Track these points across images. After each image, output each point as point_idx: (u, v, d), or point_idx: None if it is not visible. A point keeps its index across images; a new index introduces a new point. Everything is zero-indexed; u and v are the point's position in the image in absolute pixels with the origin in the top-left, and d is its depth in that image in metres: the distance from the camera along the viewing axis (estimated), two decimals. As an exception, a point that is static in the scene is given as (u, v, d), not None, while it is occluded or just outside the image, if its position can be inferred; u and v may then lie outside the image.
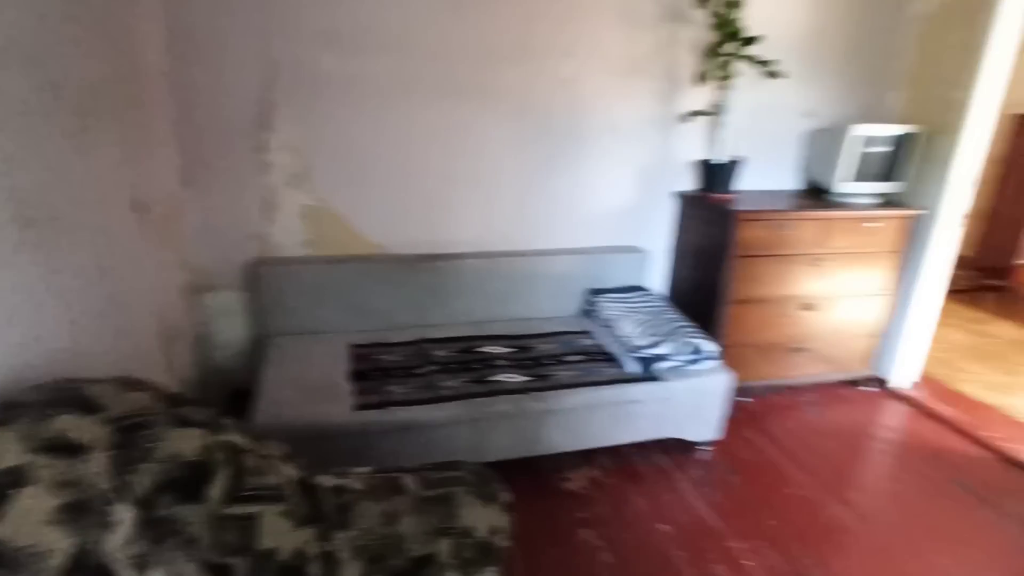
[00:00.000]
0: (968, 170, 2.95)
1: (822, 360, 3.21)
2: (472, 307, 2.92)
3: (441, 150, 2.81)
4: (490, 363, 2.53)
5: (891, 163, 3.07)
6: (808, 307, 3.05)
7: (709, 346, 2.58)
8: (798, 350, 3.13)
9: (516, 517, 1.53)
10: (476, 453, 2.29)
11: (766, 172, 3.34)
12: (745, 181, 3.21)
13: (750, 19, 2.80)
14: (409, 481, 1.45)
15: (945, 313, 4.64)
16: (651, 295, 3.03)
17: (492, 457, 2.33)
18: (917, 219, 3.06)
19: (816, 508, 2.41)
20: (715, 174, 3.02)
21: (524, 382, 2.40)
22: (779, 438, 2.86)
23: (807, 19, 3.12)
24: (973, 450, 2.86)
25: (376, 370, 2.42)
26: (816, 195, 3.24)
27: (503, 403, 2.29)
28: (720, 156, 3.00)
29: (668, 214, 3.28)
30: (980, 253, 4.81)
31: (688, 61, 2.98)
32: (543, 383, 2.40)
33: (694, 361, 2.55)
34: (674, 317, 2.77)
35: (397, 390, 2.29)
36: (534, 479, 2.48)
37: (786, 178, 3.41)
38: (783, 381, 3.21)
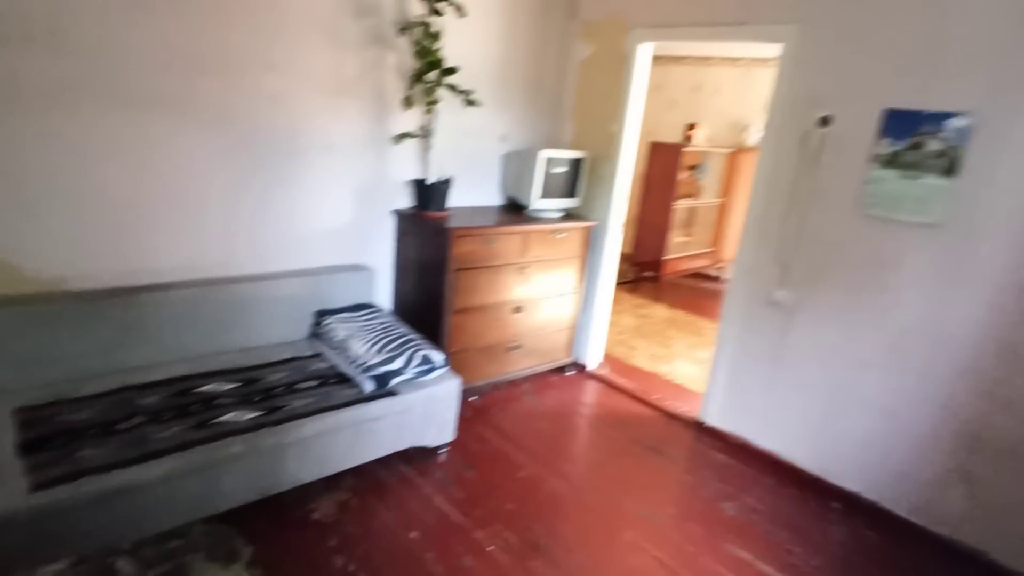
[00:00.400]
0: (623, 187, 3.69)
1: (533, 354, 3.67)
2: (186, 342, 2.59)
3: (130, 168, 2.42)
4: (213, 403, 2.29)
5: (571, 182, 3.67)
6: (518, 309, 3.46)
7: (438, 356, 2.74)
8: (514, 348, 3.53)
9: (265, 562, 1.42)
10: (207, 506, 2.06)
11: (473, 190, 3.68)
12: (456, 199, 3.49)
13: (449, 51, 3.05)
14: (125, 565, 1.24)
15: (617, 302, 5.74)
16: (379, 312, 3.08)
17: (228, 506, 2.11)
18: (592, 228, 3.70)
19: (540, 485, 2.75)
20: (428, 193, 3.21)
21: (255, 418, 2.23)
22: (504, 428, 3.18)
23: (498, 56, 3.53)
24: (646, 412, 3.58)
25: (60, 434, 1.98)
26: (515, 210, 3.69)
27: (233, 445, 2.09)
28: (431, 176, 3.20)
29: (389, 231, 3.37)
30: (636, 251, 6.04)
31: (396, 85, 3.11)
32: (277, 416, 2.26)
33: (426, 371, 2.68)
34: (403, 331, 2.86)
35: (93, 454, 1.91)
36: (279, 517, 2.32)
37: (490, 195, 3.81)
38: (504, 377, 3.57)
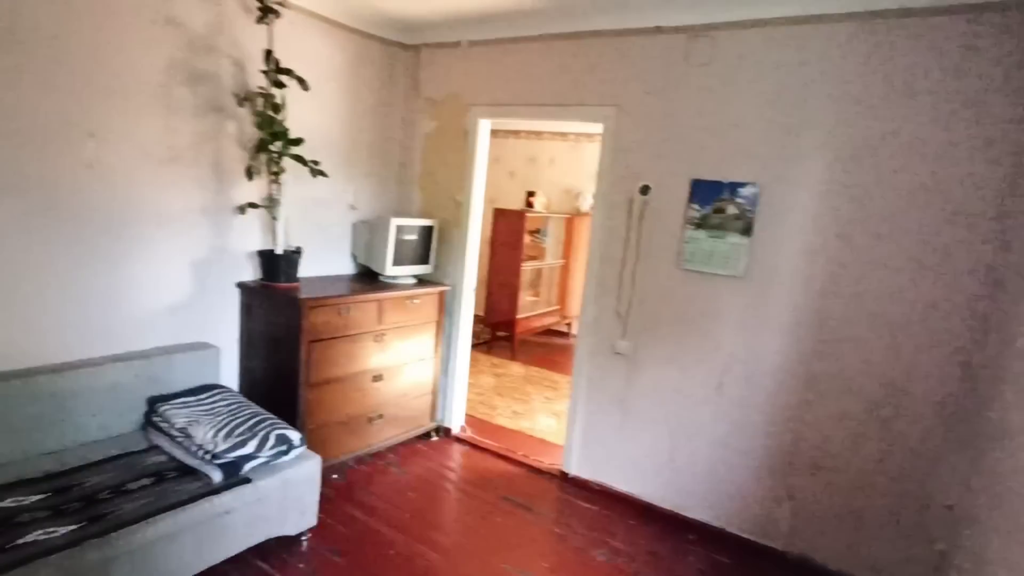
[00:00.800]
0: (473, 252, 3.84)
1: (396, 423, 3.59)
2: (-29, 453, 2.17)
3: None
4: (14, 521, 1.92)
5: (422, 249, 3.75)
6: (378, 378, 3.39)
7: (295, 434, 2.58)
8: (376, 418, 3.42)
9: None
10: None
11: (325, 259, 3.61)
12: (307, 269, 3.40)
13: (294, 121, 3.04)
14: None
15: (475, 363, 5.85)
16: (227, 392, 2.84)
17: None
18: (446, 293, 3.79)
19: (413, 560, 2.65)
20: (277, 264, 3.09)
21: (71, 532, 1.91)
22: (371, 505, 3.04)
23: (344, 127, 3.58)
24: (512, 469, 3.64)
25: None
26: (369, 278, 3.67)
27: (41, 570, 1.77)
28: (279, 246, 3.10)
29: (234, 305, 3.17)
30: (489, 313, 6.23)
31: (237, 154, 3.01)
32: (100, 526, 1.96)
33: (283, 452, 2.51)
34: (255, 411, 2.67)
35: None
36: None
37: (343, 264, 3.76)
38: (367, 450, 3.44)
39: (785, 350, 2.76)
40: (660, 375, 3.11)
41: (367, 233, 3.68)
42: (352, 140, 3.66)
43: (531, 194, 6.45)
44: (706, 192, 2.90)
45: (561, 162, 7.06)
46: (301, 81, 2.99)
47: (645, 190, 3.08)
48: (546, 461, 3.70)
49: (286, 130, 2.99)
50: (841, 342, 2.64)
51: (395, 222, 3.52)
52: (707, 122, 2.89)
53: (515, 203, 6.71)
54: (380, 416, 3.46)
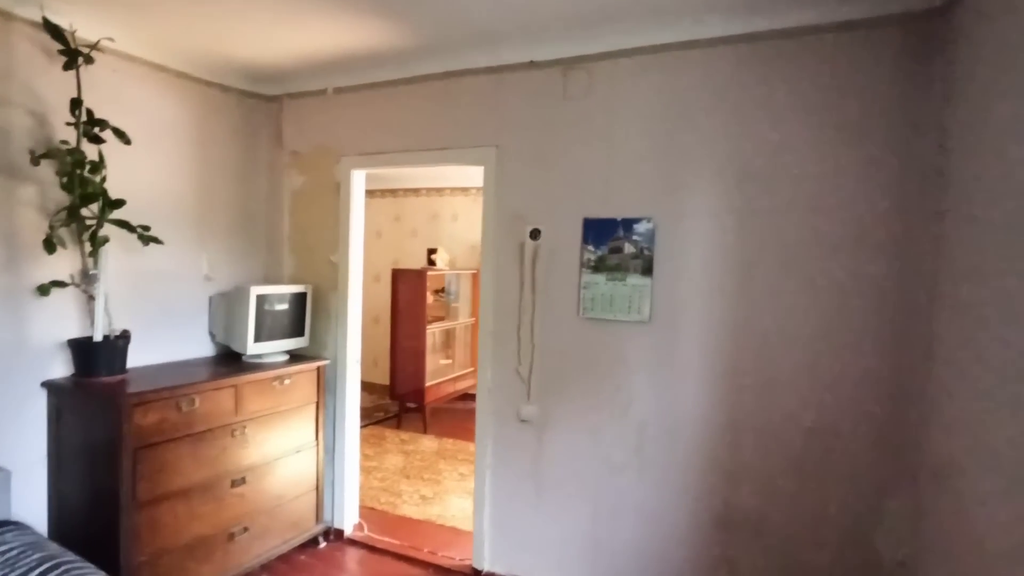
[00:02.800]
0: (355, 320, 3.36)
1: (270, 533, 2.96)
2: None
3: None
4: None
5: (295, 320, 3.24)
6: (239, 483, 2.78)
7: (100, 580, 1.95)
8: (239, 532, 2.79)
9: None
10: None
11: (174, 342, 3.02)
12: (148, 355, 2.84)
13: (119, 182, 2.54)
14: None
15: (383, 441, 5.25)
16: (14, 531, 2.16)
17: None
18: (324, 368, 3.26)
19: None
20: (95, 354, 2.50)
21: None
22: (228, 652, 2.39)
23: (193, 186, 3.08)
24: (416, 572, 3.06)
25: None
26: (231, 360, 3.10)
27: None
28: (99, 332, 2.51)
29: (41, 411, 2.51)
30: (396, 383, 5.68)
31: (39, 224, 2.44)
32: None
33: (79, 610, 1.87)
34: (44, 557, 2.01)
35: None
36: None
37: (199, 346, 3.17)
38: (232, 573, 2.78)
39: (701, 399, 2.44)
40: (573, 441, 2.71)
41: (225, 307, 3.14)
42: (204, 201, 3.16)
43: (432, 251, 6.08)
44: (600, 231, 2.60)
45: (464, 217, 6.77)
46: (120, 134, 2.50)
47: (535, 234, 2.75)
48: (456, 556, 3.16)
49: (101, 191, 2.47)
50: (758, 385, 2.35)
51: (255, 291, 3.01)
52: (593, 157, 2.63)
53: (420, 263, 6.31)
54: (245, 529, 2.83)
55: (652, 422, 2.54)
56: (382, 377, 6.37)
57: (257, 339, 3.04)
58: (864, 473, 2.21)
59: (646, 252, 2.51)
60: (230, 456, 2.75)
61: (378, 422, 5.83)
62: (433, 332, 5.93)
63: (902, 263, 2.12)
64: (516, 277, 2.81)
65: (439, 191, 6.95)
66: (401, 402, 5.70)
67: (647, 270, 2.51)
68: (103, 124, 2.44)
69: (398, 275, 5.65)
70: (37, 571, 1.94)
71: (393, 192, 7.23)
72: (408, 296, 5.60)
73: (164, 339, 2.98)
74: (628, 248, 2.55)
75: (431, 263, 6.01)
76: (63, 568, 1.96)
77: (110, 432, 2.32)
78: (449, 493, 4.09)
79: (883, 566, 2.19)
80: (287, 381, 3.03)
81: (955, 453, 1.85)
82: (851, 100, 2.18)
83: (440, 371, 6.01)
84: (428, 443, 5.23)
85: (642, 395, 2.55)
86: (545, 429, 2.77)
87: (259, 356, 3.09)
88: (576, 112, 2.65)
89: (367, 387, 7.06)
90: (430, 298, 5.77)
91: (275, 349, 3.14)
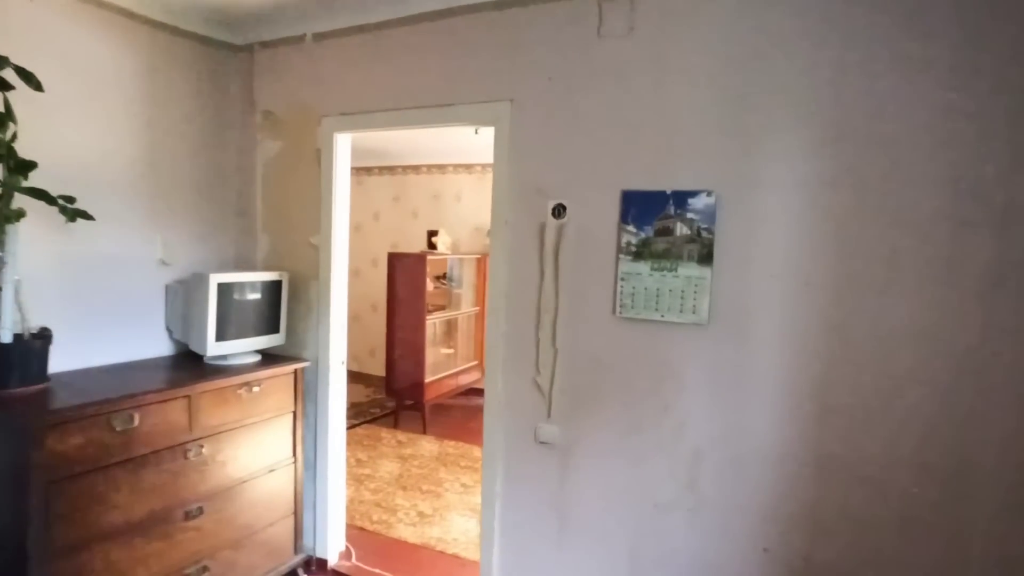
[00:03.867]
0: (340, 312, 2.82)
1: (238, 570, 2.46)
2: None
3: None
4: None
5: (268, 314, 2.71)
6: (196, 513, 2.27)
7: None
8: (198, 574, 2.29)
9: None
10: None
11: (121, 341, 2.50)
12: (90, 357, 2.35)
13: (39, 142, 2.03)
14: None
15: (378, 443, 4.74)
16: None
17: None
18: (303, 371, 2.73)
19: None
20: (3, 358, 1.97)
21: None
22: None
23: (142, 154, 2.54)
24: (410, 614, 2.57)
25: None
26: (191, 361, 2.58)
27: None
28: (7, 331, 1.98)
29: (-60, 430, 2.00)
30: (392, 378, 5.16)
31: (-78, 194, 1.90)
32: None
33: None
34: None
35: None
36: None
37: (155, 344, 2.65)
38: (185, 624, 2.28)
39: (776, 426, 1.91)
40: (606, 471, 2.18)
41: (182, 298, 2.61)
42: (159, 170, 2.61)
43: (432, 233, 5.52)
44: (644, 208, 2.05)
45: (468, 197, 6.21)
46: (26, 76, 1.94)
47: (559, 211, 2.20)
48: (459, 595, 2.66)
49: (7, 150, 1.92)
50: (855, 411, 1.81)
51: (216, 279, 2.47)
52: (635, 112, 2.07)
53: (420, 246, 5.76)
54: (204, 569, 2.32)
55: (710, 452, 2.00)
56: (379, 369, 5.85)
57: (220, 337, 2.51)
58: (1002, 531, 1.67)
59: (704, 235, 1.96)
60: (183, 483, 2.23)
61: (373, 420, 5.32)
62: (434, 322, 5.41)
63: None
64: (535, 265, 2.26)
65: (441, 168, 6.38)
66: (398, 399, 5.19)
67: (706, 258, 1.96)
68: (2, 62, 1.88)
69: (395, 259, 5.11)
70: None
71: (391, 170, 6.66)
72: (406, 283, 5.06)
73: (106, 337, 2.45)
74: (681, 229, 2.00)
75: (432, 247, 5.47)
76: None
77: (15, 461, 1.80)
78: (450, 509, 3.59)
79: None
80: (257, 388, 2.50)
81: None
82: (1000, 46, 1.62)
83: (441, 364, 5.49)
84: (427, 446, 4.73)
85: (697, 417, 2.01)
86: (570, 454, 2.24)
87: (223, 357, 2.57)
88: (614, 55, 2.08)
89: (363, 379, 6.57)
90: (430, 285, 5.23)
91: (243, 349, 2.61)
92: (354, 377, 6.66)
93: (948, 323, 1.69)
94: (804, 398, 1.86)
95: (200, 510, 2.30)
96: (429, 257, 5.12)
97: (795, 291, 1.86)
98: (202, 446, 2.29)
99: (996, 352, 1.65)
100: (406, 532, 3.29)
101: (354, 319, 6.85)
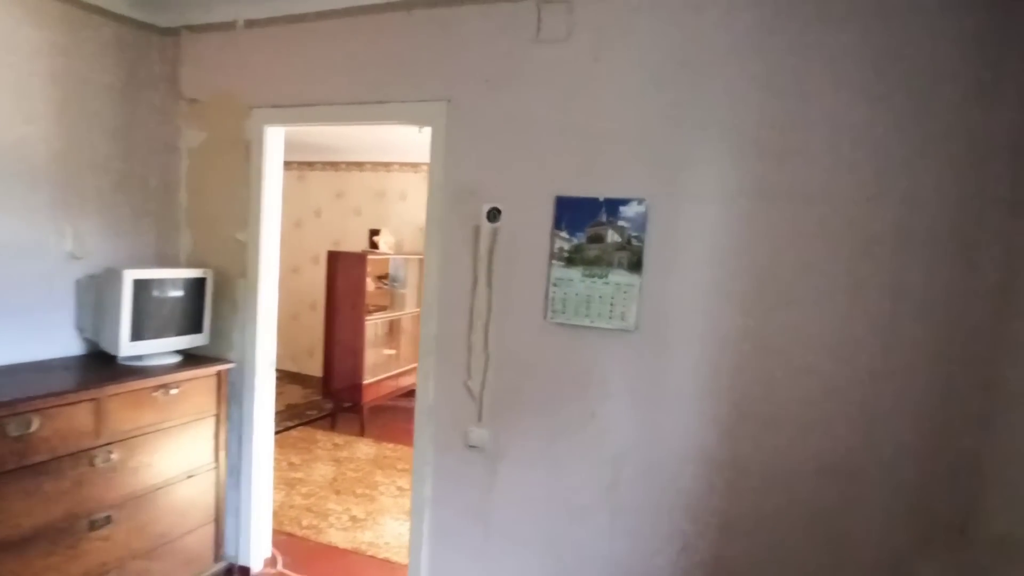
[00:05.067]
0: (268, 312, 2.73)
1: (146, 582, 2.33)
2: None
3: None
4: None
5: (190, 312, 2.59)
6: (101, 523, 2.14)
7: None
8: (101, 587, 2.16)
9: None
10: None
11: (19, 340, 2.33)
12: None
13: None
14: None
15: (313, 446, 4.61)
16: None
17: None
18: (227, 373, 2.62)
19: None
20: None
21: None
22: None
23: (51, 140, 2.37)
24: (334, 623, 2.50)
25: None
26: (103, 363, 2.43)
27: None
28: None
29: None
30: (330, 378, 5.03)
31: None
32: None
33: None
34: None
35: None
36: None
37: (62, 344, 2.48)
38: (88, 641, 2.14)
39: (696, 429, 1.95)
40: (532, 474, 2.18)
41: (94, 294, 2.46)
42: (68, 158, 2.45)
43: (375, 232, 5.42)
44: (577, 214, 2.06)
45: (414, 196, 6.13)
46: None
47: (494, 215, 2.19)
48: (387, 602, 2.61)
49: None
50: (768, 415, 1.87)
51: (130, 275, 2.34)
52: (571, 117, 2.07)
53: (361, 245, 5.64)
54: (110, 582, 2.19)
55: (631, 457, 2.03)
56: (318, 369, 5.70)
57: (136, 336, 2.37)
58: (894, 531, 1.76)
59: (635, 242, 1.99)
60: (88, 491, 2.10)
61: (310, 422, 5.18)
62: (375, 323, 5.31)
63: (966, 268, 1.67)
64: (469, 269, 2.24)
65: (386, 166, 6.28)
66: (336, 401, 5.06)
67: (635, 265, 1.99)
68: None
69: (335, 258, 4.98)
70: None
71: (335, 165, 6.52)
72: (346, 282, 4.95)
73: (5, 335, 2.28)
74: (611, 236, 2.02)
75: (373, 246, 5.37)
76: None
77: None
78: (384, 513, 3.52)
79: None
80: (174, 390, 2.38)
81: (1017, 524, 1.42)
82: (919, 60, 1.70)
83: (382, 366, 5.40)
84: (365, 448, 4.63)
85: (621, 423, 2.04)
86: (499, 459, 2.23)
87: (138, 358, 2.43)
88: (552, 59, 2.09)
89: (300, 380, 6.38)
90: (371, 285, 5.13)
91: (161, 349, 2.48)
92: (291, 378, 6.48)
93: (853, 334, 1.77)
94: (720, 404, 1.91)
95: (108, 519, 2.17)
96: (370, 256, 5.02)
97: (715, 300, 1.91)
98: (111, 452, 2.16)
99: (898, 362, 1.73)
100: (336, 537, 3.21)
101: (292, 318, 6.70)
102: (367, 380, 4.98)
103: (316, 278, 6.02)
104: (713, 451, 1.93)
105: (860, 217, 1.75)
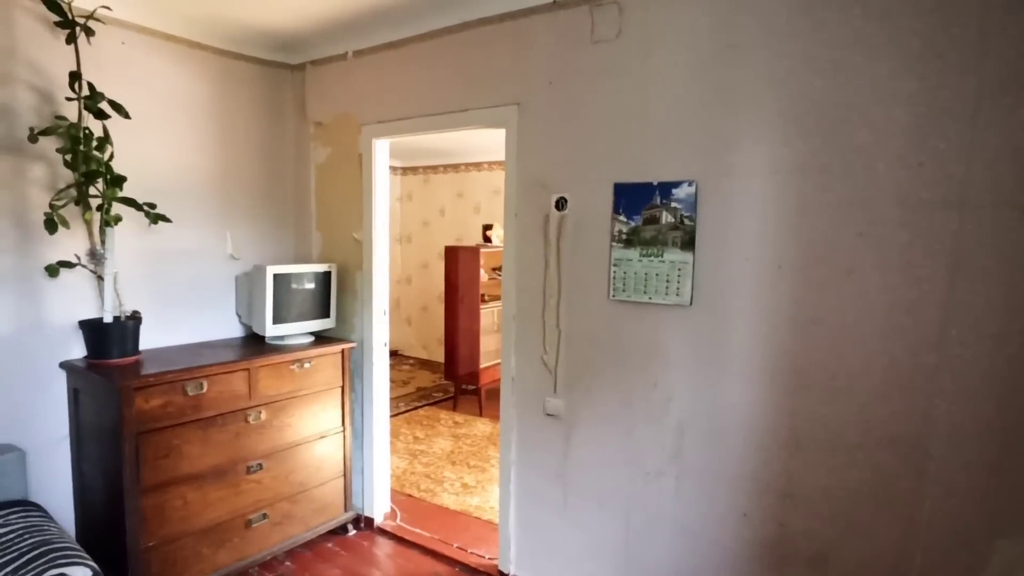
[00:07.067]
0: (381, 300, 3.16)
1: (292, 520, 2.86)
2: None
3: None
4: None
5: (320, 301, 3.10)
6: (255, 468, 2.68)
7: (79, 572, 1.88)
8: (258, 519, 2.70)
9: None
10: None
11: (200, 323, 2.98)
12: (173, 336, 2.88)
13: (129, 159, 2.51)
14: None
15: (436, 424, 5.12)
16: (20, 513, 2.15)
17: None
18: (350, 351, 3.10)
19: None
20: (105, 335, 2.45)
21: None
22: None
23: (214, 164, 2.99)
24: (441, 569, 2.87)
25: None
26: (257, 341, 3.01)
27: None
28: (108, 313, 2.46)
29: (62, 392, 2.52)
30: (453, 364, 5.51)
31: (43, 203, 2.40)
32: None
33: (56, 603, 1.80)
34: (39, 542, 1.97)
35: None
36: None
37: (227, 327, 3.11)
38: (247, 561, 2.69)
39: (753, 400, 2.02)
40: (603, 440, 2.37)
41: (247, 287, 3.04)
42: (227, 178, 3.06)
43: (488, 227, 5.81)
44: (633, 198, 2.21)
45: (526, 191, 6.43)
46: (117, 107, 2.41)
47: (561, 204, 2.40)
48: (486, 555, 2.93)
49: (105, 168, 2.39)
50: (825, 386, 1.89)
51: (272, 271, 2.88)
52: (624, 109, 2.23)
53: (479, 240, 6.08)
54: (264, 516, 2.73)
55: (693, 424, 2.14)
56: (438, 358, 6.25)
57: (278, 320, 2.92)
58: (965, 503, 1.72)
59: (687, 222, 2.10)
60: (245, 442, 2.65)
61: (436, 403, 5.71)
62: (491, 311, 5.70)
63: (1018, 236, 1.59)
64: (540, 254, 2.48)
65: (501, 164, 6.66)
66: (457, 383, 5.54)
67: (688, 244, 2.10)
68: (100, 97, 2.34)
69: (452, 253, 5.44)
70: (27, 556, 1.90)
71: (455, 167, 7.03)
72: (463, 276, 5.39)
73: (187, 320, 2.92)
74: (665, 218, 2.14)
75: (487, 240, 5.76)
76: (50, 556, 1.90)
77: (114, 416, 2.26)
78: (493, 482, 3.87)
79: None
80: (307, 364, 2.89)
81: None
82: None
83: (496, 351, 5.78)
84: (482, 427, 5.04)
85: (681, 392, 2.16)
86: (573, 426, 2.44)
87: (280, 338, 2.98)
88: (605, 57, 2.25)
89: (431, 366, 7.00)
90: (485, 276, 5.52)
91: (298, 331, 3.01)
92: (422, 364, 7.12)
93: (909, 303, 1.74)
94: (778, 373, 1.96)
95: (260, 466, 2.71)
96: (483, 250, 5.41)
97: (768, 274, 1.96)
98: (261, 412, 2.70)
99: (957, 333, 1.69)
100: (448, 500, 3.61)
101: (422, 309, 7.35)
102: (483, 365, 5.39)
103: (442, 273, 6.57)
104: (771, 421, 1.99)
105: (908, 185, 1.72)
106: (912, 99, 1.71)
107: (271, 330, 2.89)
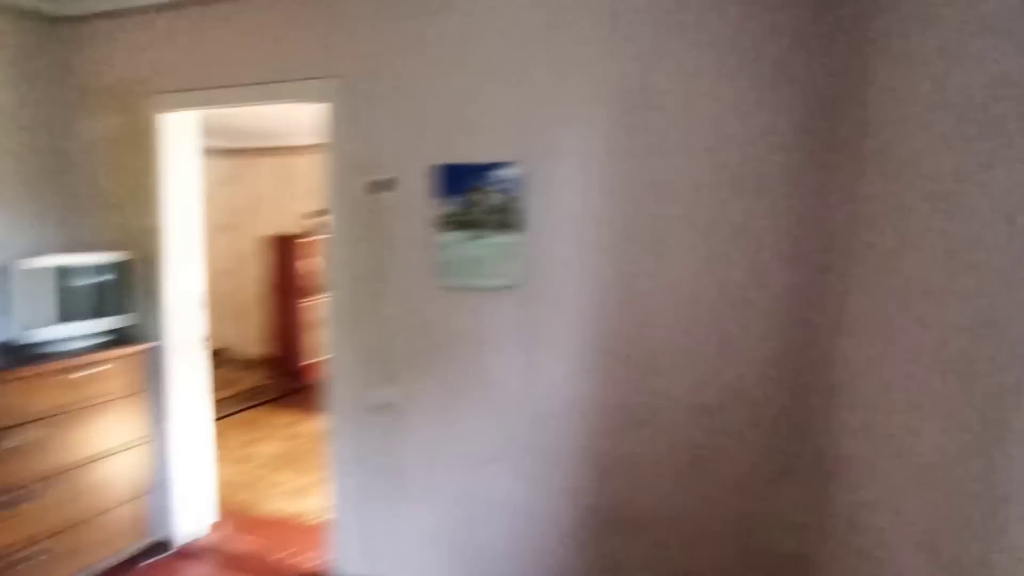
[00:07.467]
0: (179, 295, 2.79)
1: (75, 555, 2.44)
2: None
3: None
4: None
5: (113, 295, 2.66)
6: (19, 500, 2.23)
7: None
8: (28, 558, 2.26)
9: None
10: None
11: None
12: None
13: None
14: None
15: (265, 427, 4.72)
16: None
17: None
18: (151, 352, 2.71)
19: None
20: None
21: None
22: None
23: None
24: (267, 581, 2.64)
25: None
26: (18, 347, 2.50)
27: None
28: None
29: None
30: (281, 359, 5.13)
31: None
32: None
33: None
34: None
35: None
36: None
37: (-15, 330, 2.54)
38: (21, 610, 2.25)
39: (575, 379, 2.11)
40: (437, 430, 2.33)
41: (13, 281, 2.51)
42: (-27, 150, 2.48)
43: (318, 213, 5.47)
44: (457, 180, 2.18)
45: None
46: None
47: (387, 185, 2.30)
48: (323, 558, 2.75)
49: None
50: (640, 360, 2.03)
51: (40, 261, 2.41)
52: (450, 87, 2.18)
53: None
54: (39, 552, 2.29)
55: (522, 407, 2.19)
56: (274, 352, 5.77)
57: (52, 320, 2.45)
58: (758, 459, 1.95)
59: (511, 204, 2.12)
60: (7, 470, 2.19)
61: (265, 403, 5.26)
62: (311, 306, 5.38)
63: (815, 216, 1.83)
64: (366, 239, 2.35)
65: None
66: (287, 381, 5.16)
67: (514, 225, 2.12)
68: None
69: (276, 243, 5.04)
70: None
71: (289, 150, 6.48)
72: (288, 265, 5.02)
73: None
74: (491, 199, 2.14)
75: (316, 227, 5.42)
76: None
77: None
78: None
79: (782, 560, 1.96)
80: (92, 370, 2.47)
81: (855, 441, 1.60)
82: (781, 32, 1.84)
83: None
84: (312, 426, 4.73)
85: (509, 376, 2.19)
86: (406, 416, 2.37)
87: (58, 342, 2.50)
88: (434, 29, 2.18)
89: (259, 364, 6.44)
90: (313, 266, 5.19)
91: (83, 332, 2.56)
92: (251, 362, 6.54)
93: (716, 281, 1.93)
94: (599, 351, 2.07)
95: (25, 498, 2.26)
96: (311, 238, 5.08)
97: (590, 253, 2.06)
98: (29, 432, 2.25)
99: (747, 300, 1.90)
100: (277, 507, 3.34)
101: (250, 304, 6.74)
102: (314, 359, 5.08)
103: (269, 264, 6.06)
104: (597, 397, 2.09)
105: (698, 167, 1.90)
106: (711, 99, 1.88)
107: (46, 333, 2.42)
